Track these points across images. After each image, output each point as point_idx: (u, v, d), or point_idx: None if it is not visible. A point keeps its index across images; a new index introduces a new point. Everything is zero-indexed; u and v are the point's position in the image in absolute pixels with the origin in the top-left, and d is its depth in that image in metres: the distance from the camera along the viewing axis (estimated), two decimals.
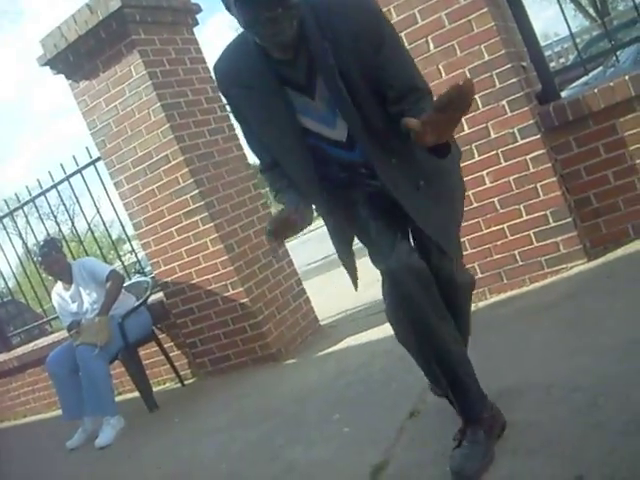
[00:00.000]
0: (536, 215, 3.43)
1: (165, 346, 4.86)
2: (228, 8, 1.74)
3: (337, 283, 6.56)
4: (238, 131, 4.98)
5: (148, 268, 5.51)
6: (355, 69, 1.77)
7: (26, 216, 6.77)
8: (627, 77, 3.26)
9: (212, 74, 4.88)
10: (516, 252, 3.49)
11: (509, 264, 3.54)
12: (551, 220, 3.39)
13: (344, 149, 1.95)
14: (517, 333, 2.90)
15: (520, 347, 2.72)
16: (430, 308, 1.94)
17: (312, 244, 13.46)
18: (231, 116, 5.17)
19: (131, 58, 4.27)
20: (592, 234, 3.49)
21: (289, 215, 1.78)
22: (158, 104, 4.27)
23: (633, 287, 2.81)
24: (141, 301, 4.66)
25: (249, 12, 1.66)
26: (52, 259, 4.49)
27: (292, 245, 9.88)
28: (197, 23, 4.81)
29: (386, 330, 3.95)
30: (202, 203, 4.32)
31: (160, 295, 4.85)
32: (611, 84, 3.30)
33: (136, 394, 4.67)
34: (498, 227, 3.52)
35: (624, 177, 3.38)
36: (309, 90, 1.86)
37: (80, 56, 4.42)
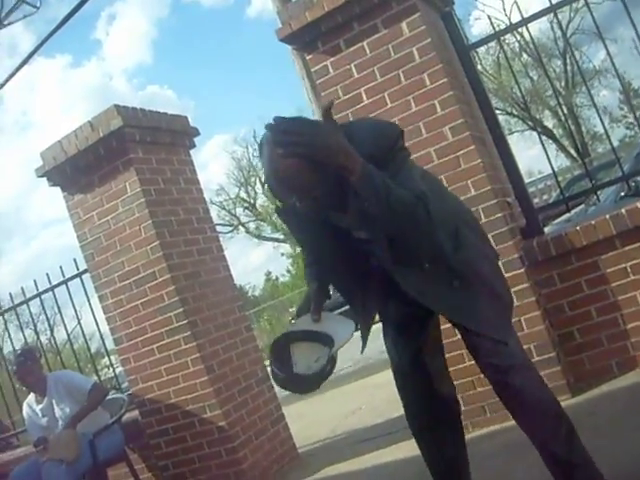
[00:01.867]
0: None
1: (136, 468, 4.66)
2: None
3: (317, 410, 6.43)
4: (227, 252, 5.04)
5: (125, 384, 5.38)
6: None
7: (5, 323, 6.67)
8: (608, 216, 3.36)
9: (205, 195, 4.99)
10: None
11: (493, 397, 3.44)
12: (535, 354, 3.38)
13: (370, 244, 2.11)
14: (500, 470, 2.82)
15: None
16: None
17: None
18: (220, 237, 5.26)
19: (127, 175, 4.37)
20: (576, 369, 3.48)
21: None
22: (150, 221, 4.33)
23: (616, 425, 2.78)
24: (115, 419, 4.51)
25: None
26: (27, 369, 4.39)
27: None
28: (194, 145, 4.97)
29: (366, 461, 3.86)
30: (185, 322, 4.28)
31: (135, 413, 4.70)
32: (593, 222, 3.40)
33: None
34: None
35: (607, 313, 3.42)
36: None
37: (78, 170, 4.52)
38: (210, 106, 54.94)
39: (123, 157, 4.37)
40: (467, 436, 3.44)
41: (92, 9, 53.93)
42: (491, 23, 3.96)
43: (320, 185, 1.87)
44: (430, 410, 2.26)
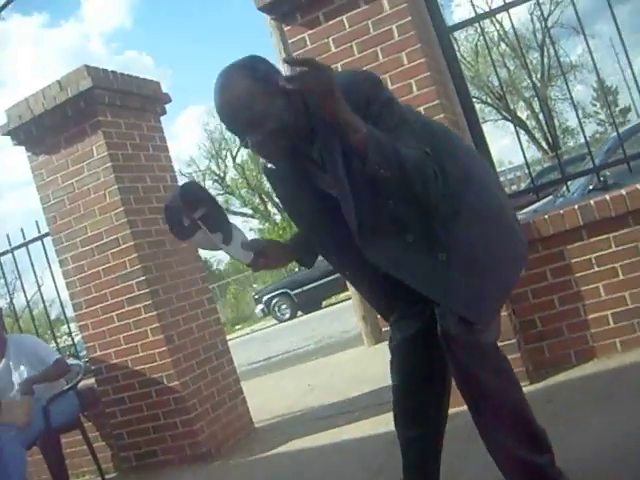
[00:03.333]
0: None
1: (90, 435, 4.61)
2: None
3: (275, 386, 6.43)
4: None
5: (83, 352, 5.31)
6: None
7: None
8: (576, 206, 3.38)
9: (175, 165, 4.90)
10: None
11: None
12: None
13: None
14: (454, 454, 2.83)
15: (456, 469, 2.65)
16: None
17: (255, 344, 13.25)
18: None
19: (95, 138, 4.27)
20: (535, 357, 3.51)
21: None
22: (115, 186, 4.24)
23: (572, 413, 2.81)
24: (70, 385, 4.44)
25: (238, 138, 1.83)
26: None
27: (234, 344, 9.70)
28: (165, 112, 4.87)
29: (322, 438, 3.86)
30: (147, 290, 4.22)
31: (91, 381, 4.64)
32: (561, 212, 3.41)
33: None
34: None
35: (569, 303, 3.45)
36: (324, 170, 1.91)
37: (44, 130, 4.40)
38: (187, 76, 54.36)
39: (91, 119, 4.27)
40: None
41: None
42: (472, 5, 3.94)
43: (275, 116, 1.76)
44: (416, 390, 2.17)
